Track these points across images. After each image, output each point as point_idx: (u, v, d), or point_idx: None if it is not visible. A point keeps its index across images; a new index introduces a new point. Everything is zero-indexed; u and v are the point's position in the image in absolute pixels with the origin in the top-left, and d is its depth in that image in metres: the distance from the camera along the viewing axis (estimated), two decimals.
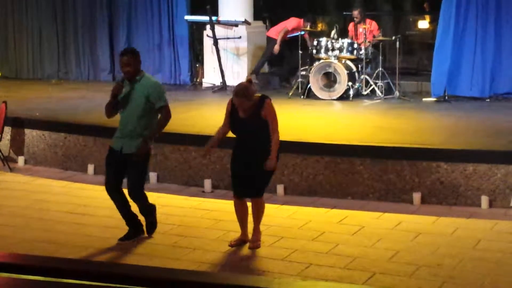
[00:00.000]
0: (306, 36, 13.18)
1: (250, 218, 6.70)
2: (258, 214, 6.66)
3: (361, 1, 14.29)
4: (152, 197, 8.12)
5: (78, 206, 8.04)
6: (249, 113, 6.36)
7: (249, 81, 6.51)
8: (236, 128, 6.52)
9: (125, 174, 6.76)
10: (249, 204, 6.64)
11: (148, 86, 6.68)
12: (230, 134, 6.61)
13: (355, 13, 12.81)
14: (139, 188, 6.77)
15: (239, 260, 6.40)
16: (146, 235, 6.91)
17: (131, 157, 6.62)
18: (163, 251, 6.62)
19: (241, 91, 6.33)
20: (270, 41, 13.39)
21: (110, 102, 6.71)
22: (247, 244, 6.65)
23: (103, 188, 8.75)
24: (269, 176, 6.62)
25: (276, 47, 13.21)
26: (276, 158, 6.42)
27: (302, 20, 13.12)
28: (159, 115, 6.76)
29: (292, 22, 13.22)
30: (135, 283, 2.50)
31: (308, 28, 13.05)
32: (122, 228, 6.91)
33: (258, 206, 6.63)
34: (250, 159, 6.43)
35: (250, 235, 6.72)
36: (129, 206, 6.83)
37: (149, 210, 6.92)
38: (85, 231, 7.17)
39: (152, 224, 6.93)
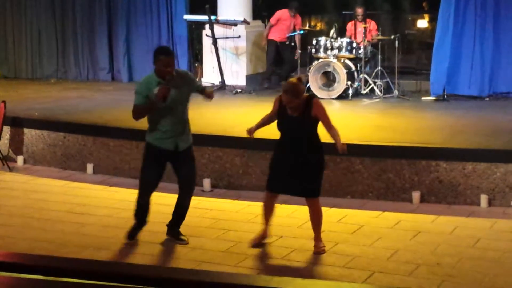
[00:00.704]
0: (297, 37, 13.15)
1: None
2: (317, 220, 6.49)
3: (361, 0, 14.29)
4: (152, 196, 8.14)
5: (78, 206, 8.05)
6: (298, 111, 6.29)
7: (299, 79, 6.38)
8: (283, 125, 6.41)
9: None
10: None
11: (185, 75, 6.69)
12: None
13: (359, 10, 12.77)
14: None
15: (238, 260, 6.41)
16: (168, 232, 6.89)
17: (186, 150, 6.64)
18: (162, 250, 6.63)
19: (290, 88, 6.24)
20: (269, 42, 13.41)
21: (152, 106, 6.42)
22: (247, 244, 6.66)
23: (102, 187, 8.83)
24: (321, 174, 6.49)
25: (261, 42, 13.42)
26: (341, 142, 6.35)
27: (286, 10, 13.15)
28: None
29: (275, 15, 13.30)
30: (135, 282, 2.50)
31: (294, 13, 13.04)
32: (122, 227, 6.92)
33: (315, 209, 6.46)
34: (298, 157, 6.32)
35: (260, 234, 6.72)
36: None
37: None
38: (85, 231, 7.18)
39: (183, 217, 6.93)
